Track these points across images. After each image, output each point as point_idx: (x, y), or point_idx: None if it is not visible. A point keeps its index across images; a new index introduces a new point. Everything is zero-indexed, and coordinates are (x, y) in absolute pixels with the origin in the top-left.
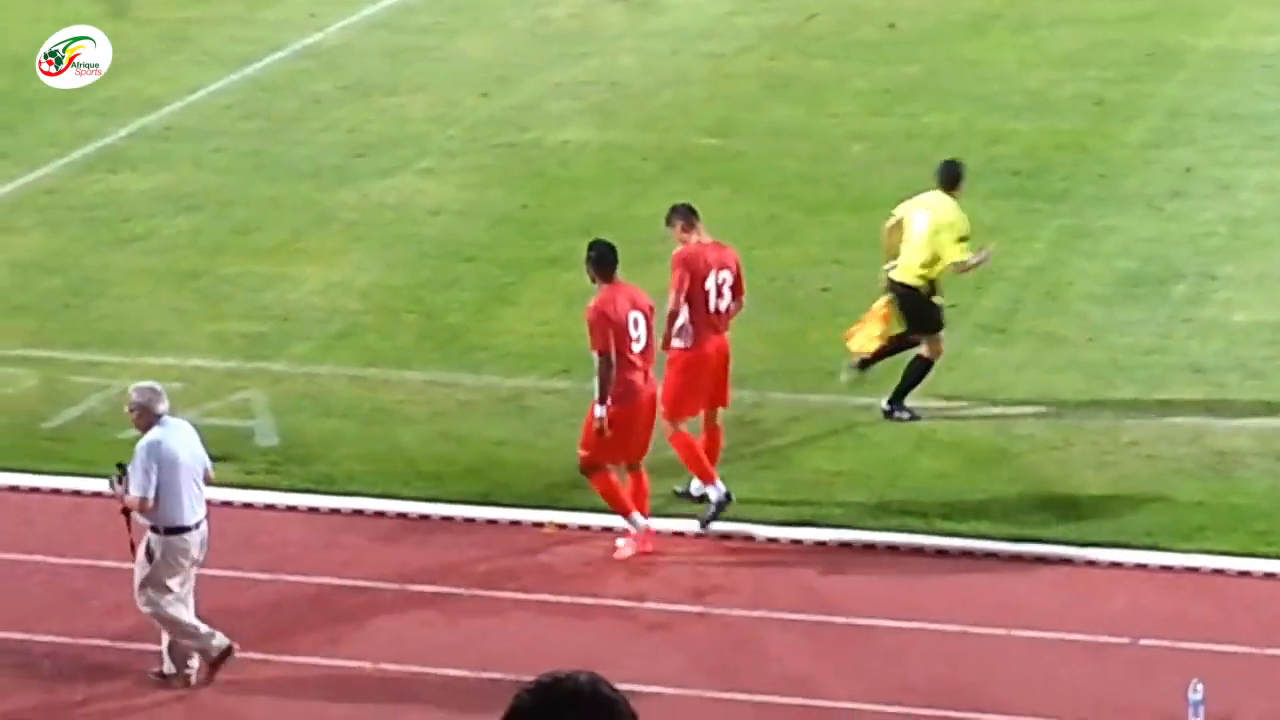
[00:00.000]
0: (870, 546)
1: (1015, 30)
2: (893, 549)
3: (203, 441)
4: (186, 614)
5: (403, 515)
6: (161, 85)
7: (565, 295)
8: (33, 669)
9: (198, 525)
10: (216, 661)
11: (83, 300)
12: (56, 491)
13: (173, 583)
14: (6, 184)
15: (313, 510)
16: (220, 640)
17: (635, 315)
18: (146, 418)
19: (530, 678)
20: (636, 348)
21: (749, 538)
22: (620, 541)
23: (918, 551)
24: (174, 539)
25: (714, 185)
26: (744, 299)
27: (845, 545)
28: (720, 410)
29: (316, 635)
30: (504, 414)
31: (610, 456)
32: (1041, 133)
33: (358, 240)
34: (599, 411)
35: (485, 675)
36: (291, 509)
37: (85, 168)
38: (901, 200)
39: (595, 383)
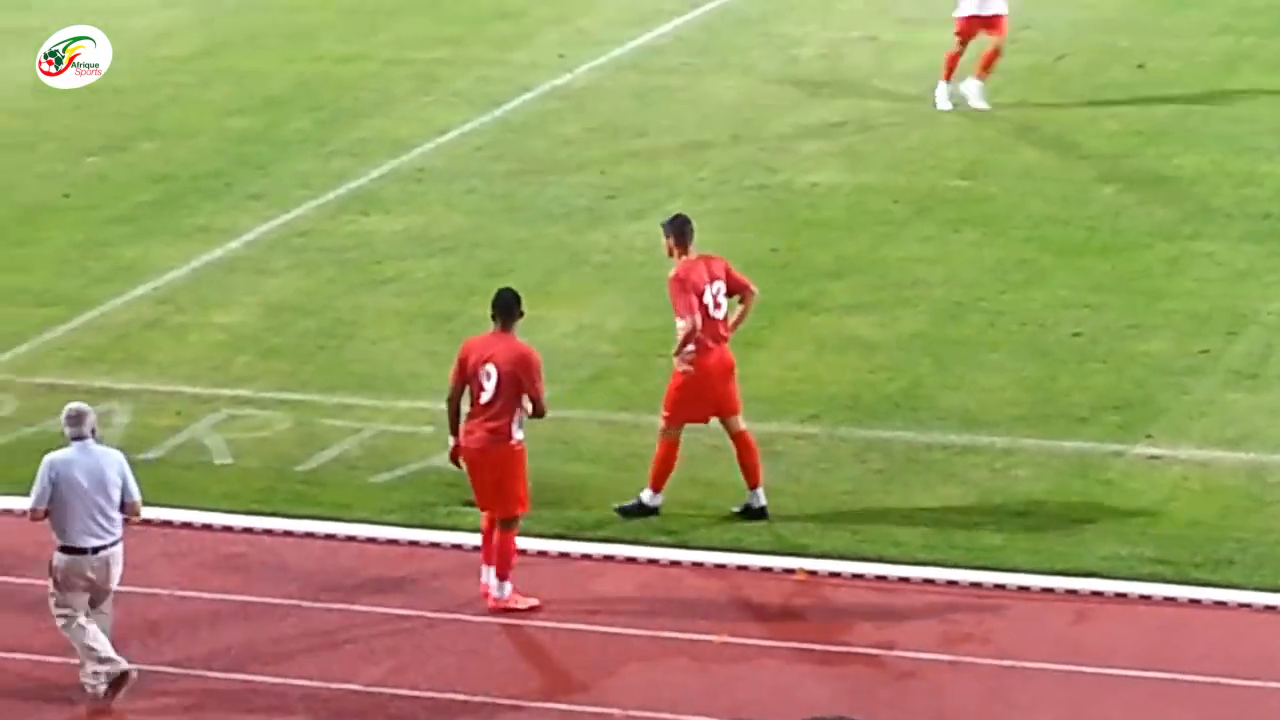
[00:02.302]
0: (1122, 595)
1: (1266, 70)
2: (1145, 598)
3: (129, 473)
4: (88, 634)
5: (653, 561)
6: (412, 126)
7: (815, 339)
8: (287, 712)
9: (95, 551)
10: (114, 685)
11: (336, 342)
12: (310, 535)
13: (70, 599)
14: (261, 225)
15: (563, 555)
16: (116, 668)
17: (488, 368)
18: (69, 436)
19: None
20: (483, 397)
21: (1000, 586)
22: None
23: (1170, 601)
24: (67, 557)
25: (964, 228)
26: (753, 289)
27: (1097, 594)
28: (739, 417)
29: (568, 681)
30: None
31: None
32: None
33: (609, 283)
34: (450, 442)
35: None
36: (542, 554)
37: (338, 209)
38: (1151, 241)
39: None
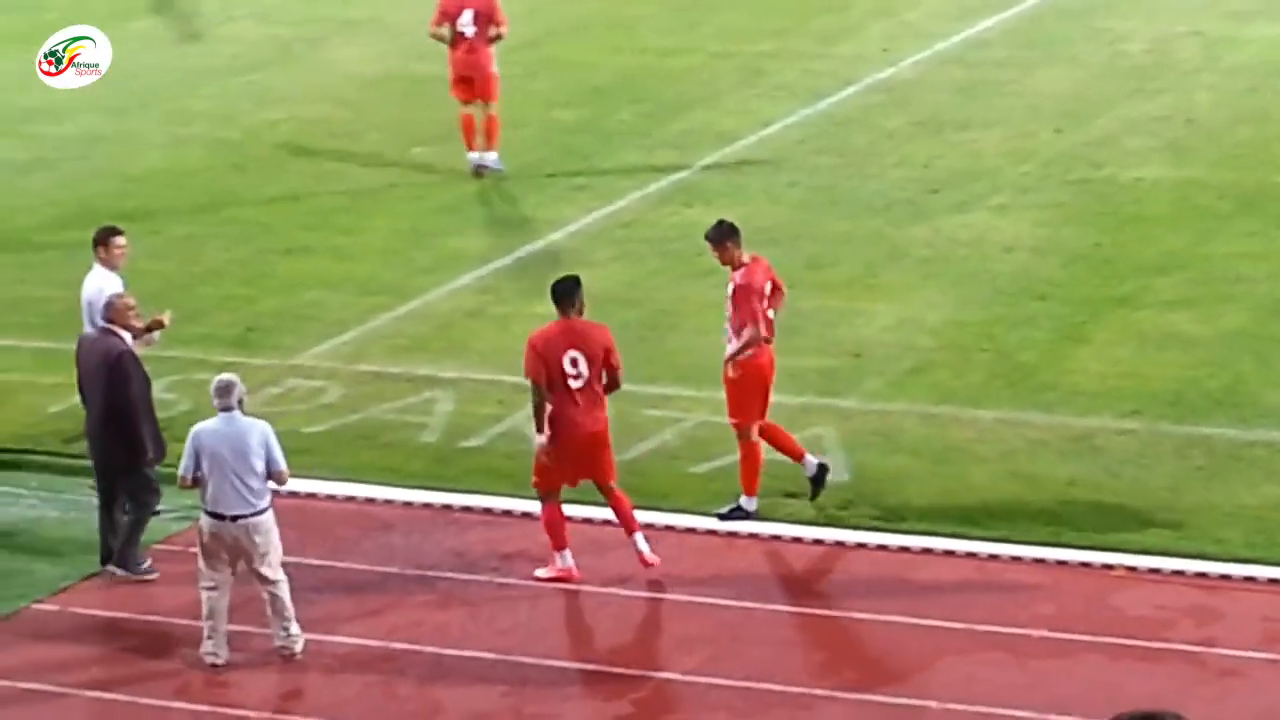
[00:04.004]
0: None
1: None
2: None
3: (274, 442)
4: (218, 605)
5: (972, 555)
6: (735, 119)
7: (1138, 335)
8: (603, 698)
9: (235, 519)
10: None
11: (657, 334)
12: None
13: (211, 564)
14: (585, 216)
15: (881, 548)
16: (217, 653)
17: (573, 354)
18: (217, 407)
19: None
20: (574, 384)
21: None
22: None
23: None
24: (210, 520)
25: None
26: (784, 292)
27: None
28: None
29: (882, 673)
30: (1075, 454)
31: (548, 484)
32: None
33: (930, 276)
34: (535, 440)
35: (1053, 717)
36: (861, 545)
37: (661, 200)
38: None
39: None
